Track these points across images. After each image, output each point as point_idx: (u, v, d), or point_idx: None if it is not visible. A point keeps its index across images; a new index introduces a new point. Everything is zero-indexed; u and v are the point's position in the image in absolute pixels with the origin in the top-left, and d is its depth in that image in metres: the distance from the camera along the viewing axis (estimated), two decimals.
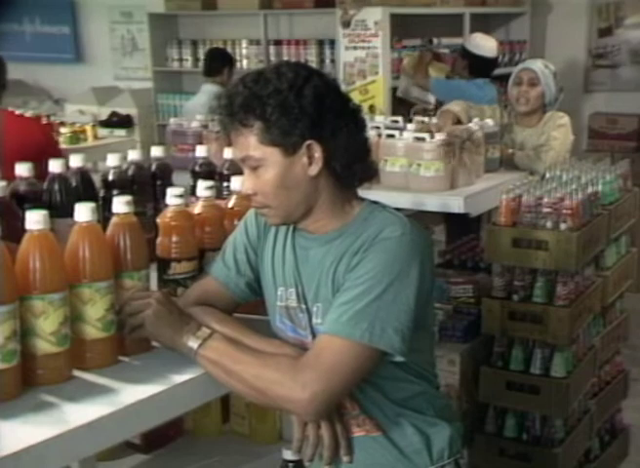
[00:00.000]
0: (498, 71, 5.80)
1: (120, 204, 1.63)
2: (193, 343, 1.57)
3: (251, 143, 1.58)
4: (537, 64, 3.98)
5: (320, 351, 1.53)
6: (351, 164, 1.62)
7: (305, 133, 1.56)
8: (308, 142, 1.57)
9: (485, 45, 4.97)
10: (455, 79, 5.06)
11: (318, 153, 1.58)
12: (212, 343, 1.57)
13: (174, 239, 1.78)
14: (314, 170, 1.59)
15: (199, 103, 5.49)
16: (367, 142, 1.68)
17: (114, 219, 1.64)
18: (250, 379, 1.53)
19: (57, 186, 1.95)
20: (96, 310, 1.56)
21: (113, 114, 6.68)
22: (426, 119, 3.96)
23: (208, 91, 5.63)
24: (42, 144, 3.10)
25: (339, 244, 1.62)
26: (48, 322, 1.48)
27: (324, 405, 1.52)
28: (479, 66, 4.93)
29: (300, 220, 1.66)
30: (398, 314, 1.53)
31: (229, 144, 2.33)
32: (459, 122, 3.98)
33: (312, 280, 1.65)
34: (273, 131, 1.55)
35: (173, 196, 1.79)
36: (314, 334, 1.64)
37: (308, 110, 1.55)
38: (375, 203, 1.69)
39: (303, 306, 1.66)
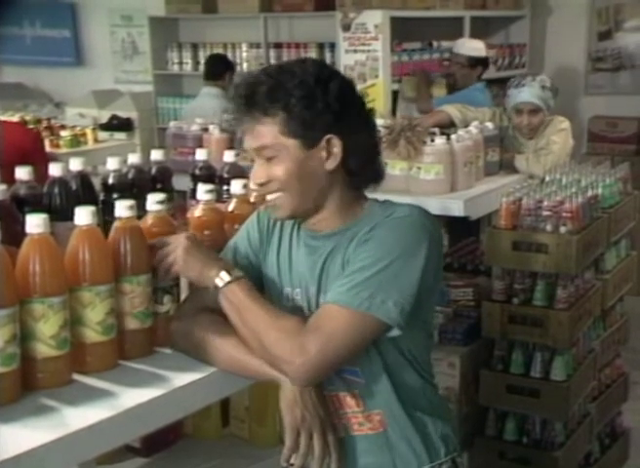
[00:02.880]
0: (497, 74, 5.83)
1: (123, 208, 1.63)
2: (220, 281, 1.59)
3: (271, 133, 1.58)
4: (535, 93, 3.82)
5: (320, 318, 1.55)
6: (366, 163, 1.65)
7: (327, 127, 1.58)
8: (328, 136, 1.59)
9: (480, 46, 5.12)
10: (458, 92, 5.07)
11: (337, 148, 1.60)
12: (235, 287, 1.59)
13: None
14: (331, 164, 1.61)
15: (199, 106, 5.51)
16: (378, 144, 1.71)
17: (117, 223, 1.64)
18: (257, 332, 1.56)
19: (57, 190, 1.95)
20: (96, 314, 1.56)
21: (113, 117, 6.68)
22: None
23: (208, 94, 5.64)
24: (28, 149, 3.17)
25: (349, 235, 1.63)
26: (48, 325, 1.48)
27: (317, 369, 1.53)
28: (486, 69, 5.10)
29: (306, 216, 1.67)
30: (400, 288, 1.55)
31: (230, 147, 2.33)
32: (452, 124, 3.99)
33: (322, 275, 1.66)
34: (296, 123, 1.56)
35: (154, 202, 1.75)
36: None
37: (333, 105, 1.57)
38: (381, 200, 1.71)
39: (309, 304, 1.67)
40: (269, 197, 1.65)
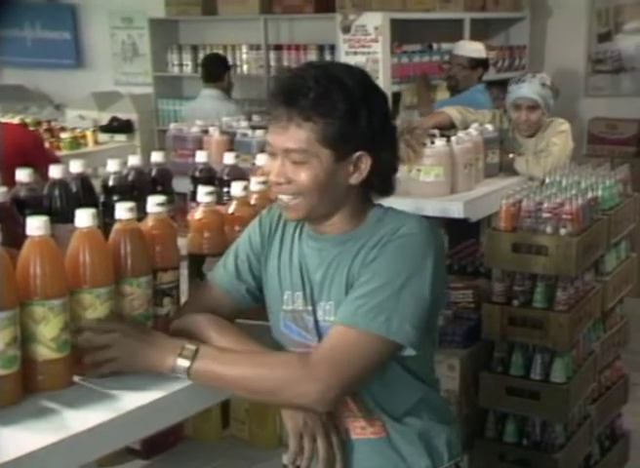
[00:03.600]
0: (497, 76, 5.83)
1: (123, 210, 1.63)
2: (181, 369, 1.54)
3: (306, 139, 1.55)
4: (534, 89, 3.83)
5: (336, 343, 1.54)
6: (388, 178, 1.66)
7: (361, 143, 1.58)
8: (360, 153, 1.58)
9: (480, 47, 5.15)
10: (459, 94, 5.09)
11: (364, 165, 1.60)
12: (198, 367, 1.54)
13: (157, 248, 1.72)
14: (356, 179, 1.61)
15: (199, 107, 5.51)
16: (398, 161, 1.71)
17: (117, 226, 1.64)
18: (256, 384, 1.54)
19: (57, 192, 1.95)
20: (96, 316, 1.56)
21: (114, 119, 6.69)
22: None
23: (208, 95, 5.64)
24: (28, 151, 3.19)
25: (353, 243, 1.63)
26: (48, 328, 1.48)
27: (339, 396, 1.54)
28: (486, 70, 5.12)
29: (318, 220, 1.66)
30: (415, 309, 1.55)
31: (230, 149, 2.32)
32: (452, 126, 3.99)
33: (324, 279, 1.65)
34: (334, 134, 1.55)
35: (154, 204, 1.73)
36: (320, 337, 1.64)
37: (373, 124, 1.57)
38: (385, 206, 1.71)
39: (310, 308, 1.67)
40: (284, 197, 1.63)
